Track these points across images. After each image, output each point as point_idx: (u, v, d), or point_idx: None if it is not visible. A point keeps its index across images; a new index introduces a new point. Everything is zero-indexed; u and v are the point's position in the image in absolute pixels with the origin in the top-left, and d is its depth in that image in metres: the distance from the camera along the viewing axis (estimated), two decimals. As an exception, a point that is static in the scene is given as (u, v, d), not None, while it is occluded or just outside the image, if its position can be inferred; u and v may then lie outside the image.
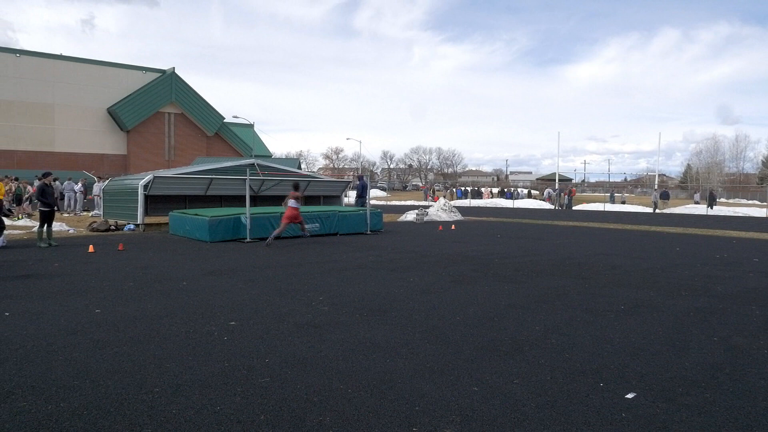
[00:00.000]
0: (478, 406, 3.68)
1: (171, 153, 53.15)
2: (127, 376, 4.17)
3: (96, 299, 6.99)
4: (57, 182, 25.01)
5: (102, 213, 20.27)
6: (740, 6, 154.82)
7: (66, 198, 26.41)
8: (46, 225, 13.09)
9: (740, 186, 55.56)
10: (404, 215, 24.53)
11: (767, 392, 3.98)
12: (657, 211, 36.01)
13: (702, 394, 3.94)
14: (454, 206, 27.83)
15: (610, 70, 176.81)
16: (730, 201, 45.61)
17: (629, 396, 3.87)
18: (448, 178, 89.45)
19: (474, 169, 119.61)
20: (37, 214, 23.43)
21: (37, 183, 17.10)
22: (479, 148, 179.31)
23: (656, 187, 46.11)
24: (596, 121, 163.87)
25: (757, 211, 34.63)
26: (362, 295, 7.40)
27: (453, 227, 19.79)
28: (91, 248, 12.16)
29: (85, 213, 25.64)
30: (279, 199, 21.36)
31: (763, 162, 71.69)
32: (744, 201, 40.20)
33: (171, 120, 53.64)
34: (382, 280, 8.66)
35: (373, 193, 53.20)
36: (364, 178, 21.46)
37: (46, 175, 13.56)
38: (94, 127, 49.38)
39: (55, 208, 13.78)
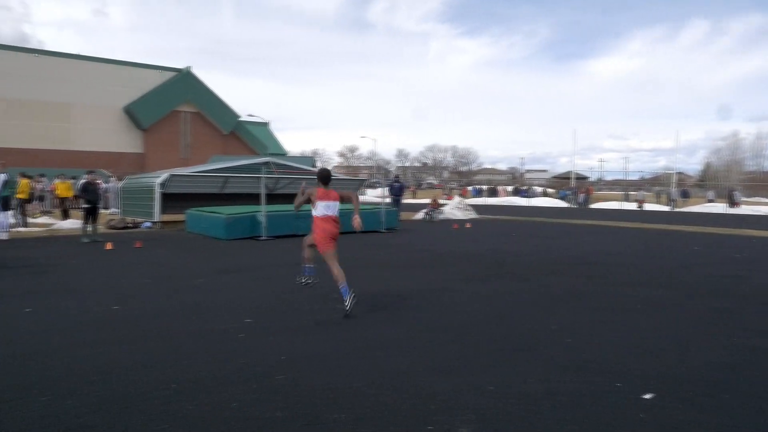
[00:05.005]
0: (494, 405, 3.67)
1: (187, 151, 53.51)
2: (146, 373, 4.22)
3: (114, 295, 7.07)
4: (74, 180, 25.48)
5: (120, 211, 20.53)
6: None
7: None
8: (90, 221, 13.60)
9: (760, 184, 54.52)
10: (419, 213, 24.54)
11: (788, 394, 3.93)
12: (675, 209, 35.58)
13: (720, 395, 3.89)
14: (469, 204, 27.74)
15: (633, 64, 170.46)
16: (750, 200, 44.87)
17: (647, 396, 3.84)
18: (464, 177, 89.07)
19: (489, 167, 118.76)
20: (57, 212, 23.84)
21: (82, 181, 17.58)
22: (495, 145, 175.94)
23: (673, 186, 45.43)
24: (617, 118, 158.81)
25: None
26: (377, 292, 7.41)
27: (468, 225, 19.73)
28: (109, 245, 12.32)
29: (102, 211, 25.93)
30: (294, 197, 21.46)
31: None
32: (764, 200, 39.50)
33: (187, 119, 54.02)
34: (396, 277, 8.66)
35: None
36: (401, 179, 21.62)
37: (90, 173, 14.13)
38: (112, 126, 49.89)
39: (99, 205, 14.18)
